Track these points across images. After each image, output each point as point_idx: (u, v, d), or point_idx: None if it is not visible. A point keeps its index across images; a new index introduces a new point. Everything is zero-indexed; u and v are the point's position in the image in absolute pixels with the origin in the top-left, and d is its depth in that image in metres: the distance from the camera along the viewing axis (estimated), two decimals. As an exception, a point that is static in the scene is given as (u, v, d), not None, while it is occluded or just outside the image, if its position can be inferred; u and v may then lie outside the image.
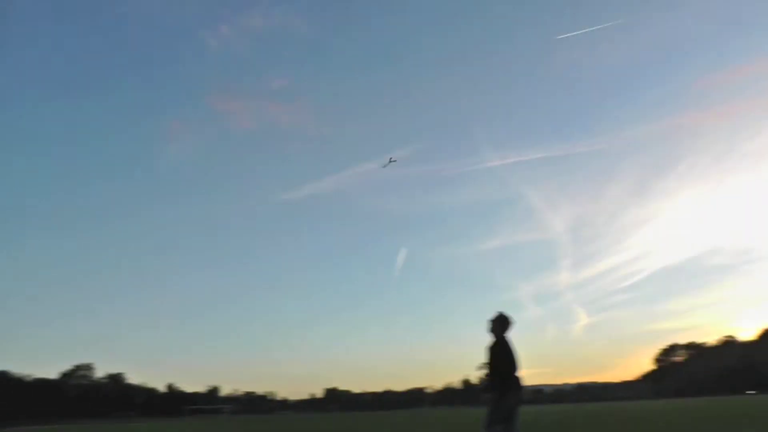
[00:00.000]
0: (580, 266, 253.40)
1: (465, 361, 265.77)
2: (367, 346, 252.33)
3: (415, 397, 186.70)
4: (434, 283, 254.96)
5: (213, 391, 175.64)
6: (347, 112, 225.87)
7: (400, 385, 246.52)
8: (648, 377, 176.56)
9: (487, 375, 8.64)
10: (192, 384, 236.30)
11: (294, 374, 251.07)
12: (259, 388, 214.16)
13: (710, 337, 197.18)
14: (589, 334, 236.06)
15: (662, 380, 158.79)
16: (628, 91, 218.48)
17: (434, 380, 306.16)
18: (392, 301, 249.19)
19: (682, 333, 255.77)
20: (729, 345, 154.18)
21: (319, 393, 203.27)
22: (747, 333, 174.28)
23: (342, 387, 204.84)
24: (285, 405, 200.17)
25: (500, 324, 8.97)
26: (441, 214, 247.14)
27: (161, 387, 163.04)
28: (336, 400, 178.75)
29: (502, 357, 8.61)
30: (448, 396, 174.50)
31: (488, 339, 8.88)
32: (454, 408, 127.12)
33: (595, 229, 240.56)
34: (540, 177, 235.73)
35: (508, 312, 9.18)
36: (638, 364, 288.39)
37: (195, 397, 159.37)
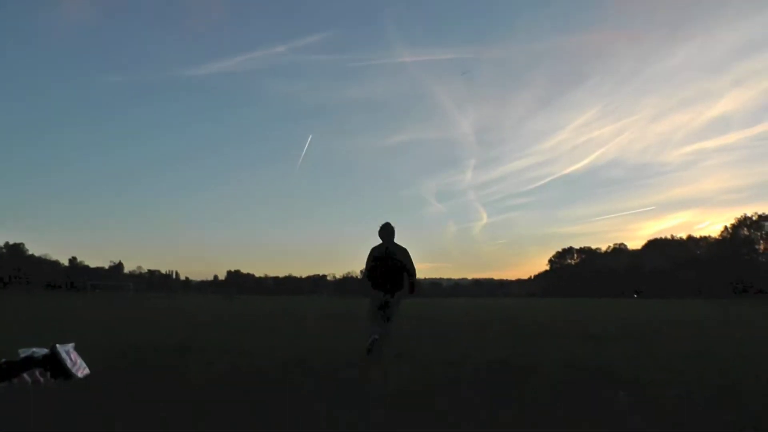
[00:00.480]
0: (484, 168, 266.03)
1: (361, 252, 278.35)
2: (271, 232, 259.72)
3: (316, 284, 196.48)
4: (338, 173, 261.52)
5: (116, 268, 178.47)
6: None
7: (301, 272, 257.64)
8: (541, 277, 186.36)
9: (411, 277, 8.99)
10: (95, 259, 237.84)
11: (198, 255, 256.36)
12: (163, 267, 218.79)
13: (603, 244, 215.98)
14: (489, 233, 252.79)
15: (555, 281, 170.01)
16: (544, 2, 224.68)
17: (335, 269, 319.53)
18: (296, 188, 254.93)
19: (577, 238, 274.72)
20: (618, 252, 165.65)
21: (221, 275, 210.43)
22: (635, 242, 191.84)
23: (245, 270, 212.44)
24: (188, 285, 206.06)
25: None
26: (348, 104, 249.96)
27: (63, 260, 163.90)
28: (238, 282, 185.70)
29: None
30: (348, 284, 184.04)
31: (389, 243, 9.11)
32: (352, 297, 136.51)
33: (501, 133, 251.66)
34: (450, 77, 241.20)
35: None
36: (534, 264, 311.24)
37: (98, 272, 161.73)
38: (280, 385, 6.01)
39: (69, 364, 6.25)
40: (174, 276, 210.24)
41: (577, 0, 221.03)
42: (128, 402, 5.07)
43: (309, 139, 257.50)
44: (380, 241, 9.18)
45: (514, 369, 7.39)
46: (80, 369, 6.41)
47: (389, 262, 8.91)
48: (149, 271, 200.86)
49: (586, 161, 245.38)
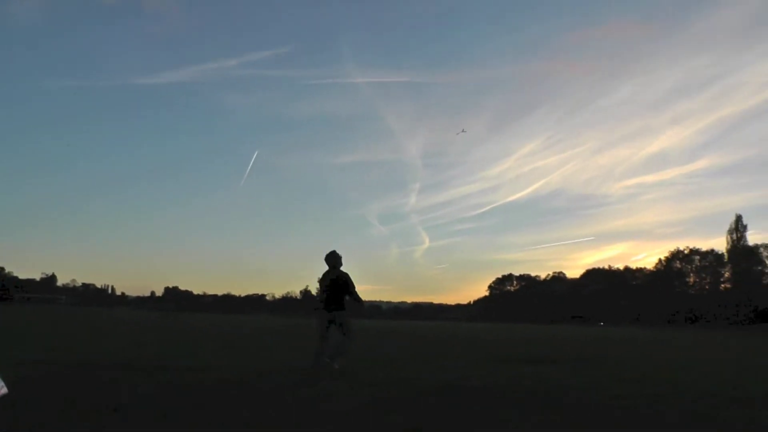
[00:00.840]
0: (429, 192, 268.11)
1: (307, 272, 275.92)
2: (212, 249, 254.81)
3: (255, 303, 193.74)
4: (283, 191, 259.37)
5: (49, 280, 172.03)
6: (215, 3, 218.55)
7: (240, 290, 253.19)
8: (481, 302, 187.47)
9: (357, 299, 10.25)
10: (26, 270, 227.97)
11: (135, 270, 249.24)
12: (98, 281, 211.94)
13: (542, 271, 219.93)
14: (431, 257, 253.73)
15: (494, 306, 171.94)
16: (499, 30, 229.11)
17: (275, 288, 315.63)
18: (240, 205, 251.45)
19: (518, 265, 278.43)
20: (557, 280, 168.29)
21: (159, 291, 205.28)
22: (574, 271, 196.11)
23: (183, 287, 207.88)
24: (124, 300, 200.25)
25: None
26: (297, 121, 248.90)
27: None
28: (176, 299, 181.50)
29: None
30: (287, 304, 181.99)
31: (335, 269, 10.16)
32: (292, 317, 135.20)
33: (448, 159, 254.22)
34: (401, 100, 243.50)
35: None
36: (474, 290, 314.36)
37: (28, 283, 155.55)
38: (216, 400, 5.86)
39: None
40: (110, 290, 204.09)
41: (530, 30, 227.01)
42: (53, 424, 4.84)
43: (255, 155, 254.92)
44: (327, 268, 10.19)
45: (464, 389, 7.42)
46: None
47: (334, 285, 9.94)
48: (84, 284, 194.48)
49: (529, 190, 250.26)
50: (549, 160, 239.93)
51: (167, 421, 4.92)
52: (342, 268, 10.20)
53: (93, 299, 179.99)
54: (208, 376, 8.20)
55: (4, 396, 5.83)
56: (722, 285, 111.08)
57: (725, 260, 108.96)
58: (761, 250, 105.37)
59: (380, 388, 7.06)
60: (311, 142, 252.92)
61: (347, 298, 10.00)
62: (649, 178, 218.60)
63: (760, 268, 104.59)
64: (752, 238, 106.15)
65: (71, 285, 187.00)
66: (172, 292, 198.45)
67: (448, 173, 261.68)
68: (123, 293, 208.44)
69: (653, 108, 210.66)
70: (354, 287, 10.11)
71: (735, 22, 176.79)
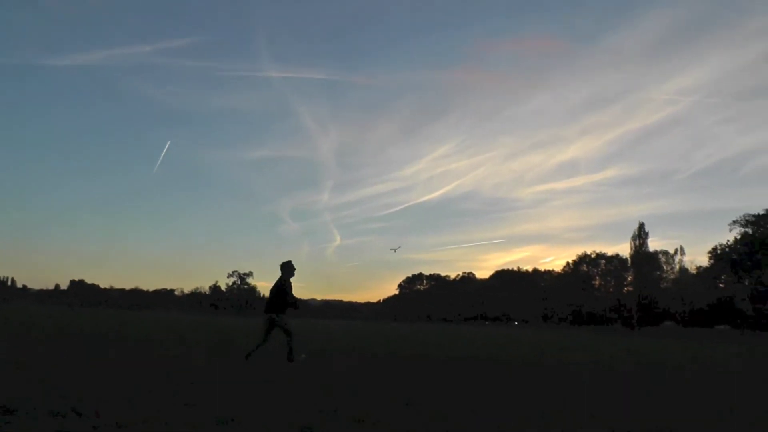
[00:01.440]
0: (342, 190, 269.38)
1: (216, 267, 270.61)
2: (120, 241, 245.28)
3: (164, 298, 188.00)
4: (195, 183, 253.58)
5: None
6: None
7: (149, 285, 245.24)
8: (391, 300, 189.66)
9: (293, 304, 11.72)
10: None
11: (38, 262, 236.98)
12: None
13: (452, 272, 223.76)
14: (342, 255, 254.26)
15: (403, 305, 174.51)
16: (415, 34, 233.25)
17: (183, 283, 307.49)
18: (150, 197, 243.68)
19: (428, 265, 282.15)
20: (467, 280, 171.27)
21: (64, 284, 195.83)
22: (483, 272, 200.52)
23: (89, 280, 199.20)
24: (25, 292, 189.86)
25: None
26: (210, 114, 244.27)
27: None
28: (82, 293, 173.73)
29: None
30: (195, 300, 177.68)
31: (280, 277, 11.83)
32: (202, 314, 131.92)
33: (360, 158, 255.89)
34: (315, 97, 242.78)
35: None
36: (384, 288, 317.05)
37: None
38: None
39: None
40: (9, 282, 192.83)
41: (448, 37, 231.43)
42: None
43: (167, 145, 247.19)
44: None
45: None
46: None
47: (274, 291, 11.62)
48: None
49: (441, 191, 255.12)
50: (461, 163, 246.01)
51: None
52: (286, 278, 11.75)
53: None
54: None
55: None
56: (625, 288, 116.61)
57: (628, 264, 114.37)
58: (660, 256, 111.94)
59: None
60: (225, 135, 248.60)
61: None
62: (559, 185, 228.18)
63: (658, 273, 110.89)
64: (653, 244, 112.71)
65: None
66: (77, 286, 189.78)
67: (361, 172, 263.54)
68: (24, 285, 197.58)
69: (565, 118, 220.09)
70: (289, 292, 11.55)
71: (645, 42, 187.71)
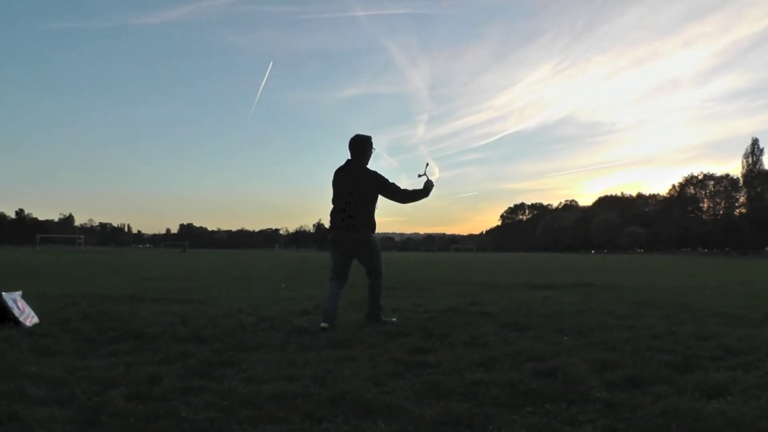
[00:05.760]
0: (437, 123, 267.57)
1: (317, 206, 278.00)
2: (224, 186, 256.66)
3: (269, 238, 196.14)
4: (290, 125, 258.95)
5: (67, 220, 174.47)
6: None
7: (254, 225, 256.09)
8: (493, 231, 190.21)
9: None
10: (44, 211, 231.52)
11: (150, 208, 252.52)
12: (115, 220, 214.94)
13: (554, 200, 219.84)
14: (441, 188, 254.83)
15: (506, 235, 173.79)
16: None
17: (287, 223, 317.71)
18: (247, 141, 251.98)
19: (528, 194, 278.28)
20: (569, 208, 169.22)
21: (174, 228, 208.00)
22: (586, 199, 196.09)
23: (197, 224, 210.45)
24: (140, 238, 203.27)
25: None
26: (299, 57, 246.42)
27: (10, 213, 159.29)
28: (191, 236, 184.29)
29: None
30: (300, 238, 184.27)
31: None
32: (306, 250, 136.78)
33: (453, 89, 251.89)
34: (402, 32, 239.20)
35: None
36: (485, 219, 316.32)
37: (47, 225, 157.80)
38: (234, 334, 5.99)
39: (17, 312, 6.09)
40: (126, 229, 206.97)
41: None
42: (82, 349, 4.97)
43: (262, 86, 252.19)
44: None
45: (464, 314, 7.53)
46: (28, 317, 6.26)
47: (350, 189, 6.57)
48: (101, 224, 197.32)
49: (537, 117, 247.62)
50: (557, 87, 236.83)
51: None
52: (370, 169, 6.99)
53: (110, 238, 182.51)
54: (215, 308, 8.35)
55: (36, 324, 6.05)
56: (737, 210, 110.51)
57: (740, 185, 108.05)
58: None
59: (388, 315, 7.15)
60: (315, 76, 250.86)
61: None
62: (661, 103, 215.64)
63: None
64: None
65: (89, 225, 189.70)
66: (186, 229, 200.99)
67: (455, 102, 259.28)
68: (139, 231, 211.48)
69: (663, 32, 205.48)
70: (389, 184, 6.86)
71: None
